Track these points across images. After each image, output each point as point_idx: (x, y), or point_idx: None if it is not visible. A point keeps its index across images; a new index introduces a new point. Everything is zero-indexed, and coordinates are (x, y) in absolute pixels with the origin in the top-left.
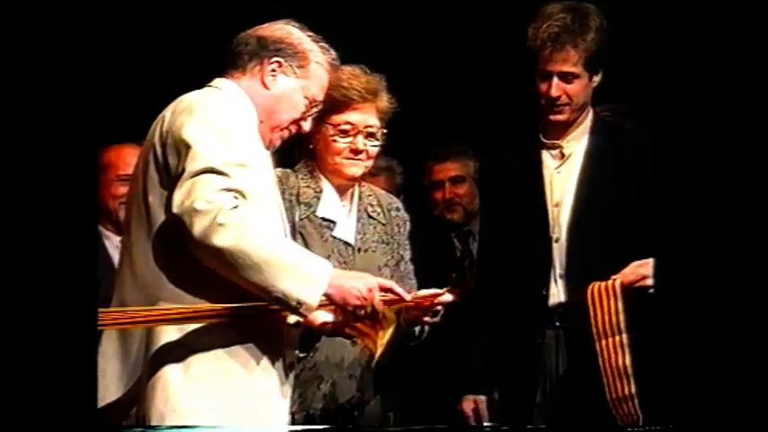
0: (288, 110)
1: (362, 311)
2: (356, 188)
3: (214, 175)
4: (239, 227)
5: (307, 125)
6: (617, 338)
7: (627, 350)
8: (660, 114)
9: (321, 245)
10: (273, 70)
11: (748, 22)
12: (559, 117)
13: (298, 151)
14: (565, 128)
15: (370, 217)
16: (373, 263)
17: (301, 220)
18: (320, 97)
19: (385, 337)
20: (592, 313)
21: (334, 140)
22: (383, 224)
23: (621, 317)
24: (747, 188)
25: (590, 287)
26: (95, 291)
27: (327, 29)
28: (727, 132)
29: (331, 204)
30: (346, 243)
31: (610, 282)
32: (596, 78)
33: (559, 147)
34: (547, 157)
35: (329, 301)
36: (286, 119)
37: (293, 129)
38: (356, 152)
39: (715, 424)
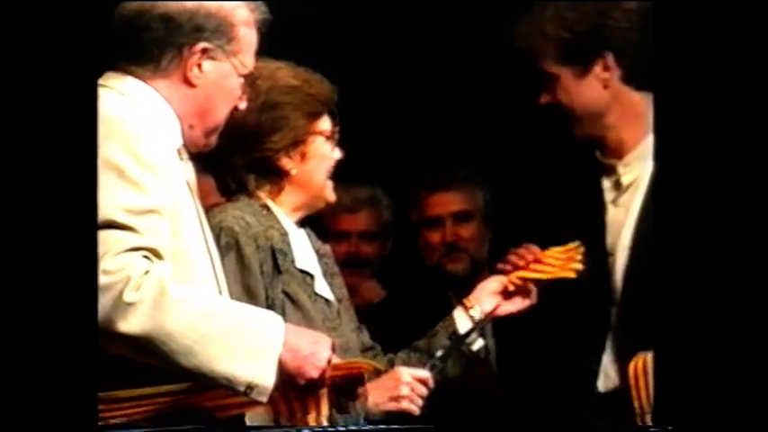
0: (223, 103)
1: (314, 387)
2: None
3: (113, 230)
4: (156, 302)
5: (243, 103)
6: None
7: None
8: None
9: (312, 305)
10: (198, 60)
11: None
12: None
13: (255, 182)
14: (619, 147)
15: (327, 267)
16: (349, 325)
17: (281, 273)
18: (253, 63)
19: (321, 423)
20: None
21: (330, 151)
22: (333, 276)
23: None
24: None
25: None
26: (95, 290)
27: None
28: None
29: (304, 250)
30: (328, 301)
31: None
32: (605, 73)
33: (614, 172)
34: (606, 187)
35: (279, 367)
36: (224, 114)
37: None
38: (337, 163)
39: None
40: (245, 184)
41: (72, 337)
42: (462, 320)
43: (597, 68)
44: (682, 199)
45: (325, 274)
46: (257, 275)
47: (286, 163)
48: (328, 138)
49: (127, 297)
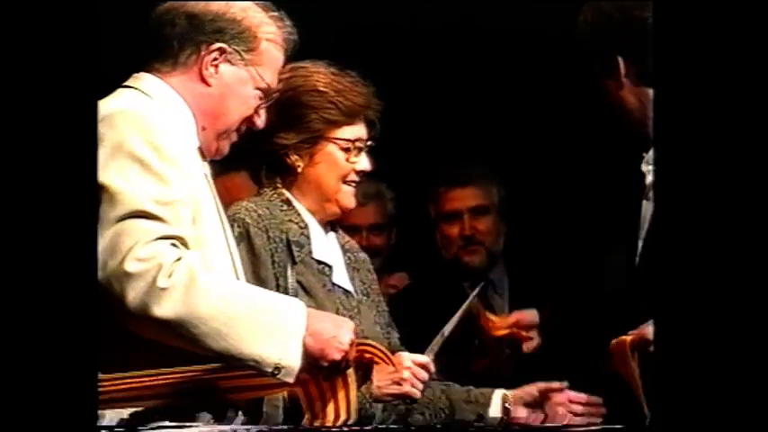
0: (237, 108)
1: (336, 370)
2: (330, 227)
3: (143, 220)
4: (187, 288)
5: (260, 121)
6: None
7: None
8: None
9: (325, 296)
10: (215, 59)
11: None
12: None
13: (266, 174)
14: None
15: (351, 261)
16: (369, 318)
17: (296, 263)
18: (275, 84)
19: (352, 404)
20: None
21: (338, 160)
22: (358, 270)
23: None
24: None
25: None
26: (96, 291)
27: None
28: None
29: (323, 243)
30: (347, 292)
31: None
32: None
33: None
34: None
35: (304, 352)
36: (235, 120)
37: (243, 128)
38: (359, 173)
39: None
40: (258, 175)
41: (72, 337)
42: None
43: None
44: (682, 197)
45: (348, 267)
46: (267, 264)
47: (295, 160)
48: (346, 147)
49: (160, 283)
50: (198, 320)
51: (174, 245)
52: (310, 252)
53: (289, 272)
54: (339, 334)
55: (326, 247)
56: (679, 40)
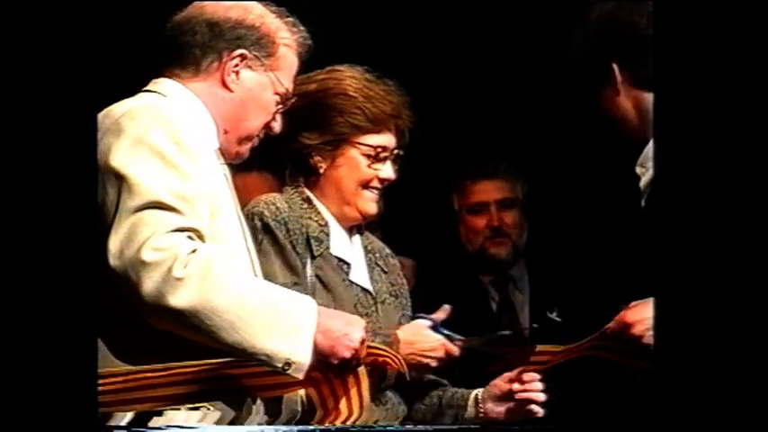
0: (257, 114)
1: (346, 367)
2: (355, 229)
3: (160, 211)
4: (202, 279)
5: (277, 126)
6: None
7: None
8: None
9: (344, 290)
10: (236, 65)
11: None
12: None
13: (290, 172)
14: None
15: (376, 263)
16: (392, 319)
17: (315, 258)
18: (291, 89)
19: (365, 402)
20: None
21: (359, 165)
22: (386, 272)
23: None
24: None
25: None
26: (96, 290)
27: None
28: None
29: (342, 240)
30: (365, 290)
31: None
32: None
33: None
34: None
35: (314, 349)
36: (257, 125)
37: (262, 133)
38: (382, 181)
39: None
40: (282, 173)
41: (72, 336)
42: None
43: None
44: (682, 196)
45: (370, 267)
46: (293, 254)
47: (318, 161)
48: (369, 153)
49: (176, 273)
50: (212, 312)
51: (190, 237)
52: (329, 247)
53: (308, 265)
54: (350, 332)
55: (346, 245)
56: (678, 42)
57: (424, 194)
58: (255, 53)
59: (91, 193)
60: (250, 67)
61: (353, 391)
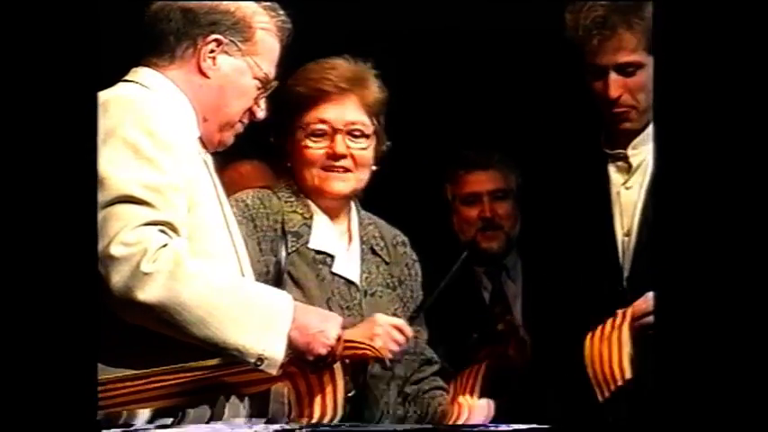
0: (237, 99)
1: (322, 364)
2: (354, 214)
3: (131, 205)
4: (171, 273)
5: (261, 112)
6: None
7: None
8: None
9: (317, 285)
10: (212, 51)
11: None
12: (628, 125)
13: (275, 169)
14: (630, 133)
15: (374, 252)
16: (382, 312)
17: (289, 254)
18: (273, 74)
19: (339, 400)
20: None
21: (307, 146)
22: (387, 263)
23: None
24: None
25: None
26: (96, 291)
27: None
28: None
29: (325, 233)
30: (349, 282)
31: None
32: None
33: (624, 156)
34: (612, 171)
35: (289, 345)
36: (237, 111)
37: (246, 119)
38: (335, 157)
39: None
40: (279, 171)
41: (72, 335)
42: None
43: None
44: (682, 189)
45: (362, 257)
46: (257, 249)
47: (287, 158)
48: (314, 132)
49: (144, 267)
50: (181, 307)
51: (162, 231)
52: (307, 242)
53: (281, 261)
54: (326, 329)
55: (331, 236)
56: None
57: (417, 183)
58: (231, 38)
59: (91, 193)
60: (226, 52)
61: (329, 389)
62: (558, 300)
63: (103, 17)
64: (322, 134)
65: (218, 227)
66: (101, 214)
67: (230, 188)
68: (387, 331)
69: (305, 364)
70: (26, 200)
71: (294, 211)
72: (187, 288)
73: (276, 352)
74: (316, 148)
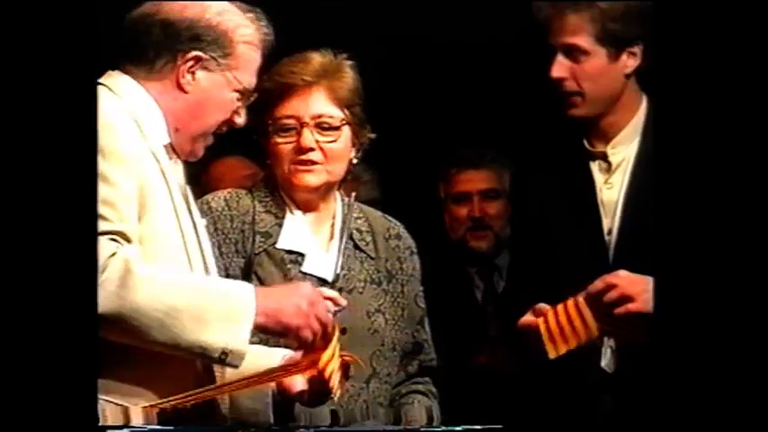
0: (213, 112)
1: (311, 333)
2: (339, 208)
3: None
4: (122, 281)
5: (241, 120)
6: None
7: None
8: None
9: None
10: (191, 67)
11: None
12: (574, 111)
13: (259, 167)
14: (607, 129)
15: (358, 248)
16: (360, 308)
17: (257, 254)
18: (253, 84)
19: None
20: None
21: (277, 142)
22: (372, 258)
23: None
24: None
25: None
26: (95, 290)
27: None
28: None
29: (297, 232)
30: (321, 280)
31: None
32: (631, 61)
33: (604, 155)
34: (595, 170)
35: (264, 332)
36: (212, 123)
37: (224, 129)
38: (302, 150)
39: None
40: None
41: (72, 336)
42: None
43: (625, 55)
44: (682, 184)
45: (344, 252)
46: (217, 252)
47: (265, 156)
48: (282, 126)
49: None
50: (136, 312)
51: (113, 239)
52: (275, 243)
53: (252, 263)
54: (294, 301)
55: (303, 235)
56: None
57: (410, 181)
58: (212, 54)
59: (91, 193)
60: (206, 67)
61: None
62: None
63: (102, 16)
64: (290, 128)
65: (171, 233)
66: None
67: (216, 183)
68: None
69: (300, 344)
70: (25, 200)
71: (267, 211)
72: (140, 293)
73: (239, 343)
74: (284, 143)
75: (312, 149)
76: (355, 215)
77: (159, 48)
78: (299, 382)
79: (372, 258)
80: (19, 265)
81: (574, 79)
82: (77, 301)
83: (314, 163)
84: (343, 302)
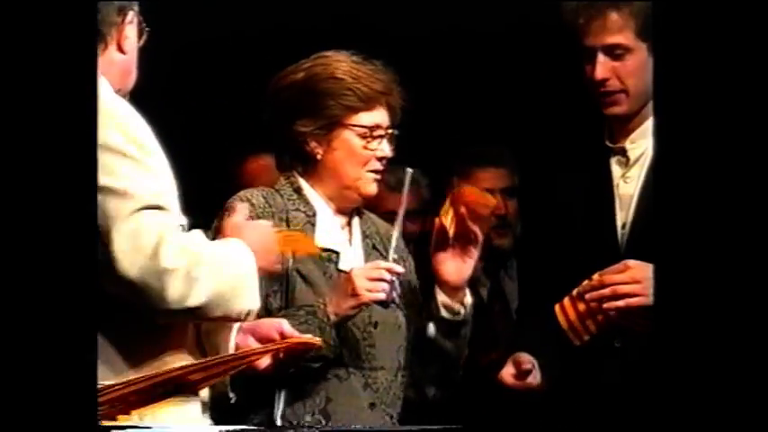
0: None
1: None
2: (354, 212)
3: (155, 211)
4: (213, 274)
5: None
6: None
7: None
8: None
9: (325, 283)
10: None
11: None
12: (616, 109)
13: (285, 162)
14: (628, 124)
15: (374, 248)
16: (390, 310)
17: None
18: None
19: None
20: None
21: (364, 147)
22: (385, 257)
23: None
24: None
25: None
26: (95, 291)
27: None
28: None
29: (330, 230)
30: None
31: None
32: None
33: (623, 150)
34: (613, 165)
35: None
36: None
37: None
38: (381, 160)
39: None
40: (281, 162)
41: (72, 335)
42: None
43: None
44: (682, 181)
45: (366, 251)
46: None
47: (314, 147)
48: (364, 134)
49: (194, 273)
50: (220, 299)
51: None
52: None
53: (290, 260)
54: (262, 248)
55: (336, 233)
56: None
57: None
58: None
59: (91, 194)
60: (130, 21)
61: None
62: (554, 294)
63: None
64: (375, 137)
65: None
66: (125, 225)
67: (251, 181)
68: (367, 276)
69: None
70: (25, 200)
71: (297, 209)
72: (219, 283)
73: (256, 304)
74: (366, 150)
75: (386, 159)
76: (365, 219)
77: (103, 24)
78: (263, 361)
79: (385, 258)
80: (19, 266)
81: (617, 78)
82: (77, 301)
83: (381, 173)
84: (401, 269)
